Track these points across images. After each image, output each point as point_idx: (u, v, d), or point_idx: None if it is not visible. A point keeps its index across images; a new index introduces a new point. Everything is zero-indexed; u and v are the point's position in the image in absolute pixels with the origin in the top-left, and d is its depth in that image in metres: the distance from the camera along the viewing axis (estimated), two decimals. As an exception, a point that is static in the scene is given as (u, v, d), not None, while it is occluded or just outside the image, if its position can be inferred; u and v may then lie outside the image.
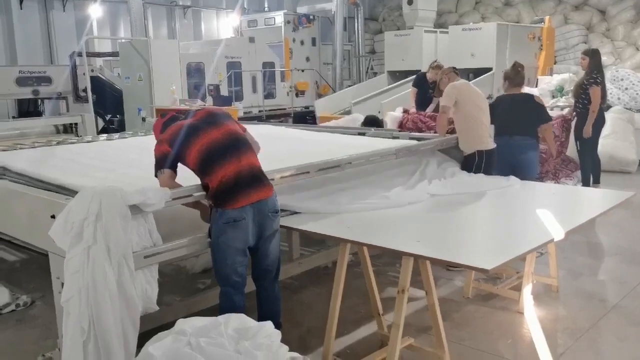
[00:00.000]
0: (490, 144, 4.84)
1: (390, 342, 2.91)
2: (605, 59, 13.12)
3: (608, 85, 9.63)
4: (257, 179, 2.97)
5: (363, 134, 5.55)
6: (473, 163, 4.73)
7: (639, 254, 5.30)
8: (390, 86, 11.22)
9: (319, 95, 13.60)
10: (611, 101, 9.47)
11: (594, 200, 4.11)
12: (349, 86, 13.68)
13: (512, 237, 3.13)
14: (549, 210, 3.51)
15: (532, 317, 3.93)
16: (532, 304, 4.05)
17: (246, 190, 2.88)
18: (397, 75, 11.65)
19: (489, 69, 10.17)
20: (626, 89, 9.33)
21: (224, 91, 11.53)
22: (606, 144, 8.41)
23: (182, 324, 2.03)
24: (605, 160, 8.37)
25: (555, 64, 12.90)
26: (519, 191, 4.26)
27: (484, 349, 3.54)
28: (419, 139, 4.92)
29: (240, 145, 3.04)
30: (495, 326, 3.88)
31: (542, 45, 11.41)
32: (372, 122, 6.97)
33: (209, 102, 10.40)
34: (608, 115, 8.57)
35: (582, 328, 3.78)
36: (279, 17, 13.82)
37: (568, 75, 11.55)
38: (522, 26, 12.10)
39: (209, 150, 2.92)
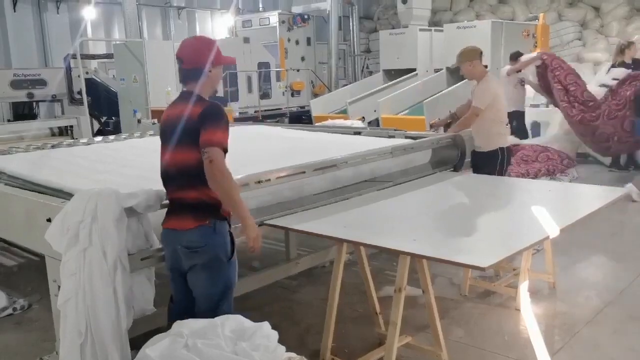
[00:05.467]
0: (509, 141, 4.93)
1: (388, 340, 2.92)
2: (599, 56, 13.18)
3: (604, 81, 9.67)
4: (171, 209, 2.78)
5: (359, 133, 5.55)
6: (497, 160, 4.76)
7: (634, 249, 5.32)
8: (385, 85, 11.23)
9: (315, 95, 13.59)
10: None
11: (589, 197, 4.12)
12: (345, 85, 13.67)
13: (508, 234, 3.14)
14: (545, 207, 3.52)
15: (529, 314, 3.95)
16: (529, 301, 4.07)
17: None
18: (392, 74, 11.65)
19: (484, 67, 10.17)
20: (621, 85, 9.34)
21: (220, 92, 11.51)
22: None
23: (179, 325, 2.03)
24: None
25: (550, 60, 12.91)
26: (514, 189, 4.27)
27: (482, 346, 3.56)
28: (414, 138, 4.92)
29: (169, 182, 2.77)
30: (493, 323, 3.89)
31: (536, 42, 11.42)
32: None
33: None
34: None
35: (579, 323, 3.80)
36: (273, 17, 13.79)
37: (563, 71, 11.55)
38: (516, 23, 12.10)
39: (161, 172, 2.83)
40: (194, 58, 2.77)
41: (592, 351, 3.47)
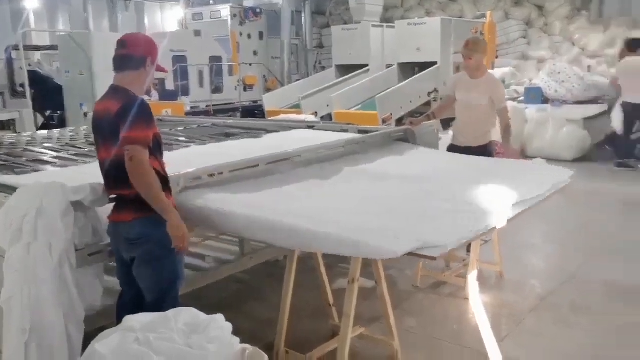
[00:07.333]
0: None
1: (342, 331, 2.94)
2: (543, 54, 13.63)
3: (546, 78, 10.04)
4: (115, 202, 2.77)
5: (312, 127, 5.56)
6: (493, 154, 4.75)
7: (578, 238, 5.55)
8: (338, 80, 11.29)
9: (267, 90, 13.53)
10: (549, 94, 9.84)
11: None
12: (298, 80, 13.67)
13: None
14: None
15: (477, 303, 4.06)
16: (477, 290, 4.18)
17: None
18: (345, 69, 11.73)
19: (434, 63, 10.38)
20: (563, 82, 9.71)
21: (170, 85, 11.32)
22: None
23: (130, 320, 1.99)
24: (546, 150, 8.78)
25: (497, 58, 13.27)
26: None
27: (432, 335, 3.65)
28: (367, 132, 4.97)
29: (106, 179, 2.74)
30: (443, 313, 4.00)
31: (484, 39, 11.71)
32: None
33: (154, 97, 10.20)
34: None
35: (524, 312, 3.95)
36: (225, 10, 13.63)
37: (509, 69, 11.92)
38: (465, 21, 12.38)
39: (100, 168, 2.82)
40: (139, 45, 2.74)
41: (536, 339, 3.61)
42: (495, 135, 4.91)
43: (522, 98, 10.30)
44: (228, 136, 5.15)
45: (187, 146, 4.57)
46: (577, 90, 9.60)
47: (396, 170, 3.98)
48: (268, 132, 5.26)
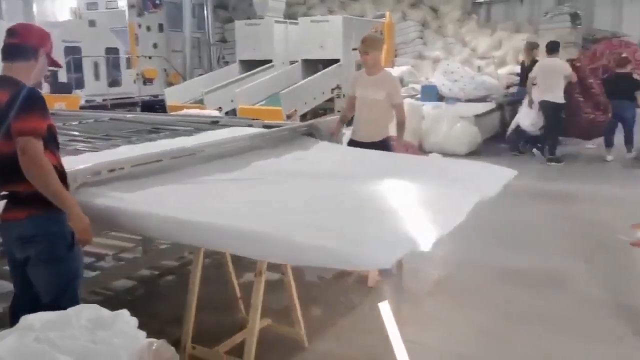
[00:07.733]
0: None
1: (250, 324, 2.97)
2: (438, 54, 14.37)
3: (441, 77, 10.60)
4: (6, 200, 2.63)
5: (216, 122, 5.50)
6: (390, 148, 4.81)
7: (468, 228, 5.91)
8: (242, 75, 11.23)
9: (169, 84, 13.16)
10: (443, 92, 10.39)
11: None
12: (200, 75, 13.42)
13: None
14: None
15: (379, 291, 4.24)
16: (378, 279, 4.36)
17: None
18: (249, 65, 11.68)
19: (337, 60, 10.61)
20: (456, 81, 10.30)
21: (63, 78, 10.71)
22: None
23: (27, 319, 1.89)
24: (441, 145, 9.27)
25: (396, 57, 13.80)
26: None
27: (338, 324, 3.76)
28: (270, 127, 5.00)
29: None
30: (348, 302, 4.13)
31: (384, 38, 12.13)
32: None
33: (45, 90, 9.61)
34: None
35: (422, 297, 4.18)
36: (122, 1, 13.10)
37: (407, 68, 12.45)
38: (366, 20, 12.75)
39: None
40: (31, 35, 2.63)
41: (433, 323, 3.84)
42: (393, 130, 5.13)
43: (419, 95, 10.80)
44: (150, 133, 4.91)
45: (117, 145, 4.25)
46: (468, 89, 10.22)
47: (314, 166, 3.99)
48: (198, 130, 5.08)
